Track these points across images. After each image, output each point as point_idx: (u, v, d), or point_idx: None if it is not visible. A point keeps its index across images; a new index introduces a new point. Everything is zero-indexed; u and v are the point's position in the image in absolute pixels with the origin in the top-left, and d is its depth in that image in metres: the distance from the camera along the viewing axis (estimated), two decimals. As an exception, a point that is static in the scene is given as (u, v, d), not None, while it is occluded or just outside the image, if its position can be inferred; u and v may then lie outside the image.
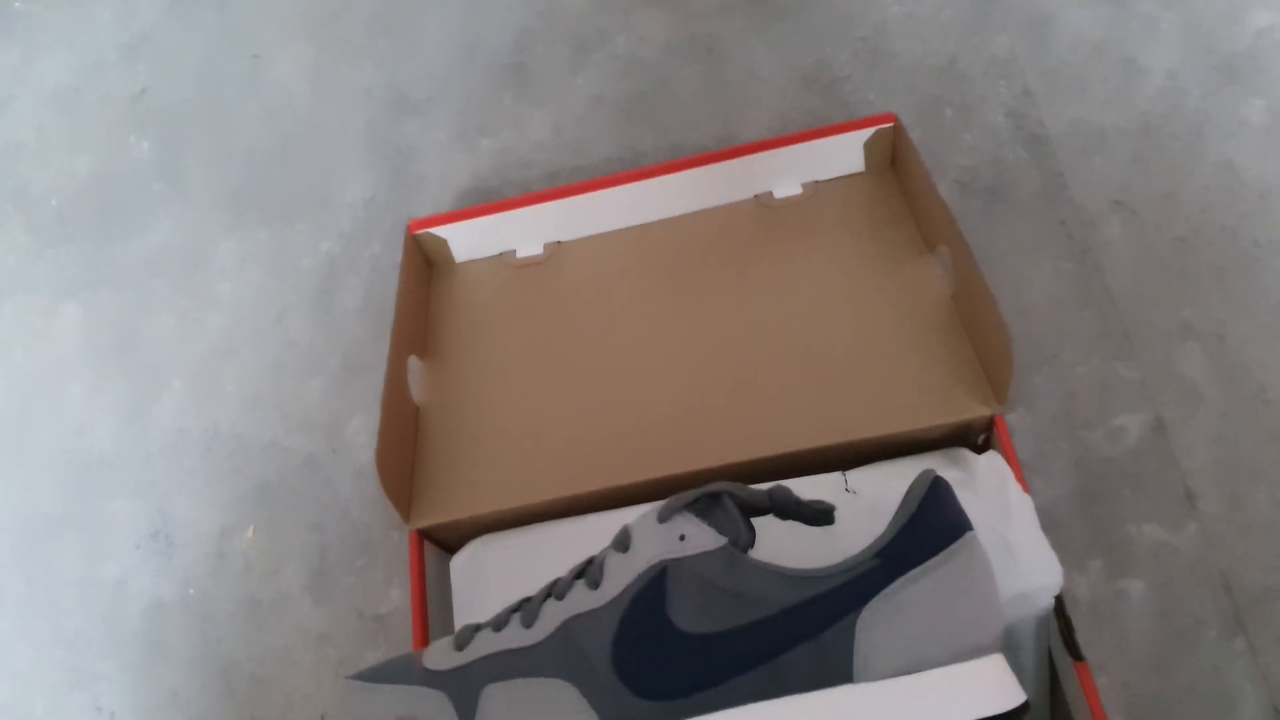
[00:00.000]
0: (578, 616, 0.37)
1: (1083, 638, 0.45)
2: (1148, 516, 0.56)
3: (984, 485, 0.47)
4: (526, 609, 0.39)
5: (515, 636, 0.38)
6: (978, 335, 0.51)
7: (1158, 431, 0.58)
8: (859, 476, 0.48)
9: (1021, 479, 0.47)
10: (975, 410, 0.49)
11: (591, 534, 0.50)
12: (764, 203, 0.63)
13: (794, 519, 0.40)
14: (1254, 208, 0.64)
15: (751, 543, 0.37)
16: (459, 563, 0.51)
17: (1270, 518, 0.55)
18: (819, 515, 0.40)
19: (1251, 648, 0.52)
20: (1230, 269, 0.63)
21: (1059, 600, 0.45)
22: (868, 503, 0.47)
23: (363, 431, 0.69)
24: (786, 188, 0.63)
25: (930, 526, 0.37)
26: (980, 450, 0.51)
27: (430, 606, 0.49)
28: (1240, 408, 0.58)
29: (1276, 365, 0.59)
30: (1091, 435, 0.59)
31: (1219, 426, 0.58)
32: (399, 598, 0.61)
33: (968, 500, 0.46)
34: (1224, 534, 0.55)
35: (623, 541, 0.39)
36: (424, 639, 0.47)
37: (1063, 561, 0.45)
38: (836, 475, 0.49)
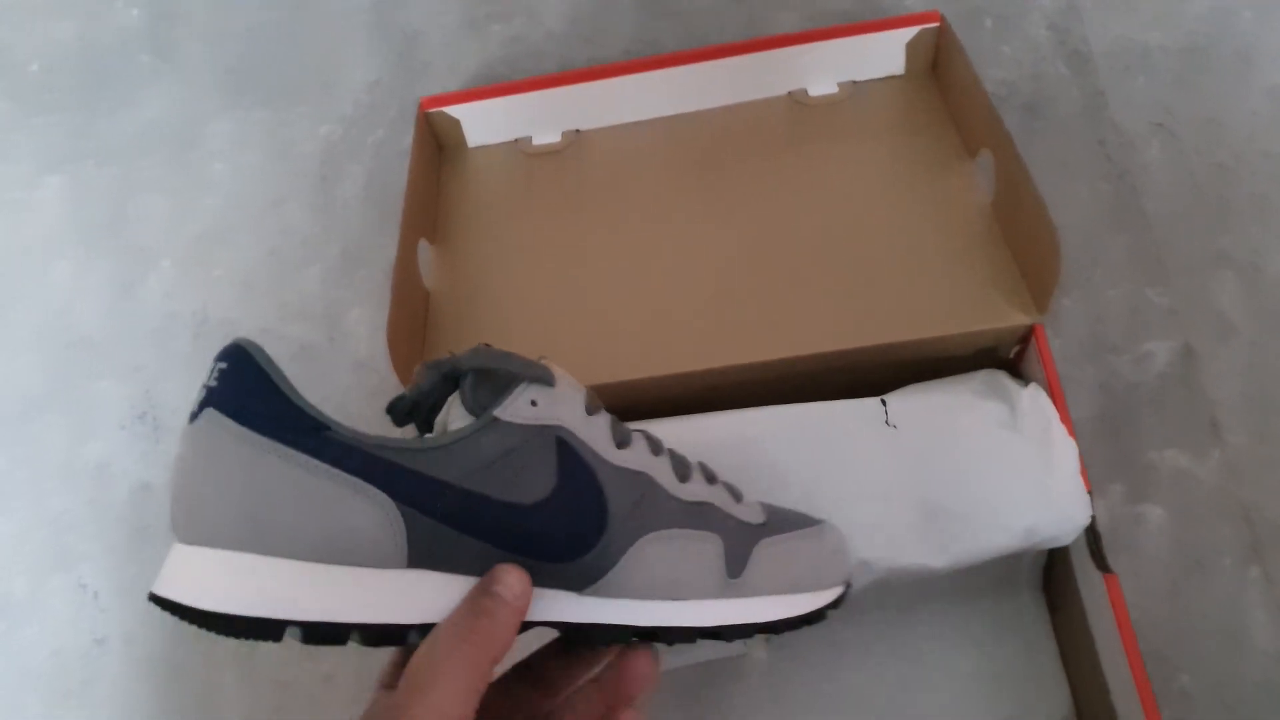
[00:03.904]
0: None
1: (1101, 559, 0.44)
2: (1171, 443, 0.55)
3: (1026, 424, 0.44)
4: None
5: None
6: (1020, 240, 0.49)
7: (1186, 359, 0.57)
8: (898, 405, 0.46)
9: (1059, 390, 0.45)
10: (1013, 318, 0.47)
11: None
12: (798, 100, 0.60)
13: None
14: (1299, 137, 0.62)
15: None
16: None
17: (1295, 450, 0.54)
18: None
19: (1267, 578, 0.51)
20: (1271, 198, 0.61)
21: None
22: (911, 442, 0.45)
23: (363, 322, 0.66)
24: (822, 86, 0.60)
25: None
26: (1015, 362, 0.49)
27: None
28: (1272, 340, 0.57)
29: (1312, 298, 0.57)
30: (1118, 360, 0.58)
31: (1249, 358, 0.57)
32: (398, 491, 0.59)
33: (1010, 441, 0.44)
34: (1247, 465, 0.54)
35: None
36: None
37: (1086, 480, 0.44)
38: (875, 403, 0.46)
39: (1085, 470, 0.44)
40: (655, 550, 0.34)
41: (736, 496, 0.38)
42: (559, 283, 0.54)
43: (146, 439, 0.65)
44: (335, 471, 0.30)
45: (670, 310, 0.51)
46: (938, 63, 0.59)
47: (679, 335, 0.50)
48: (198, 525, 0.29)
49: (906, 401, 0.46)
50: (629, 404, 0.48)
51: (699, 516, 0.36)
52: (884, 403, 0.46)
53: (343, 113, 0.75)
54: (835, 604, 0.38)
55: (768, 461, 0.43)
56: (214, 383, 0.30)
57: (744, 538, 0.36)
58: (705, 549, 0.35)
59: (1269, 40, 0.65)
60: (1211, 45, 0.66)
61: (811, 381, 0.48)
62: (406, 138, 0.71)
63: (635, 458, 0.35)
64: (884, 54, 0.59)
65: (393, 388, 0.63)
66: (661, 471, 0.36)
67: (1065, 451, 0.43)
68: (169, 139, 0.76)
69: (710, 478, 0.38)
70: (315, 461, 0.30)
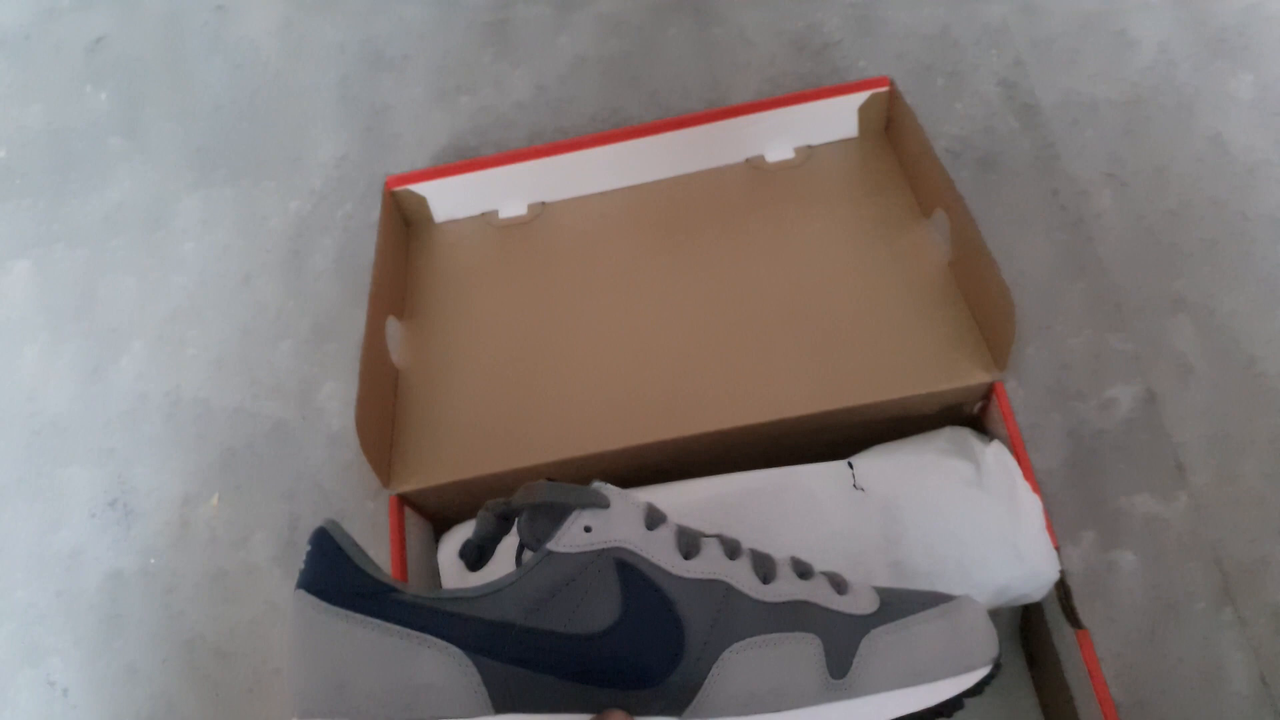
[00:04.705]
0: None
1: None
2: (1139, 488, 0.56)
3: (992, 483, 0.45)
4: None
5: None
6: (977, 300, 0.50)
7: (1149, 403, 0.58)
8: (865, 467, 0.46)
9: (1022, 446, 0.46)
10: (975, 376, 0.48)
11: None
12: (756, 166, 0.61)
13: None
14: (1243, 181, 0.64)
15: None
16: (445, 552, 0.49)
17: (1260, 490, 0.55)
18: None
19: (1240, 619, 0.52)
20: (1220, 242, 0.62)
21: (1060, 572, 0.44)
22: (880, 504, 0.45)
23: (335, 397, 0.66)
24: (779, 151, 0.61)
25: None
26: (978, 417, 0.50)
27: (410, 576, 0.46)
28: (1230, 380, 0.58)
29: (1266, 338, 0.59)
30: (1083, 407, 0.58)
31: (1209, 399, 0.58)
32: (374, 568, 0.59)
33: (977, 499, 0.45)
34: (1214, 506, 0.55)
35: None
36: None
37: (1055, 532, 0.45)
38: (842, 466, 0.47)
39: (1052, 524, 0.44)
40: (744, 660, 0.33)
41: (840, 587, 0.36)
42: (528, 355, 0.54)
43: (118, 525, 0.64)
44: (404, 630, 0.31)
45: (638, 380, 0.52)
46: (890, 124, 0.61)
47: (647, 405, 0.50)
48: (297, 698, 0.32)
49: (873, 463, 0.46)
50: (601, 476, 0.48)
51: (790, 617, 0.34)
52: (851, 465, 0.46)
53: (312, 187, 0.76)
54: (976, 689, 0.35)
55: (737, 527, 0.44)
56: (303, 565, 0.33)
57: (847, 632, 0.34)
58: (801, 651, 0.33)
59: (1207, 91, 0.68)
60: (1154, 97, 0.69)
61: (778, 445, 0.48)
62: (376, 211, 0.72)
63: (707, 566, 0.34)
64: (837, 118, 0.61)
65: (365, 465, 0.63)
66: (740, 575, 0.34)
67: (1031, 508, 0.44)
68: (138, 219, 0.77)
69: (804, 572, 0.37)
70: (384, 623, 0.32)
